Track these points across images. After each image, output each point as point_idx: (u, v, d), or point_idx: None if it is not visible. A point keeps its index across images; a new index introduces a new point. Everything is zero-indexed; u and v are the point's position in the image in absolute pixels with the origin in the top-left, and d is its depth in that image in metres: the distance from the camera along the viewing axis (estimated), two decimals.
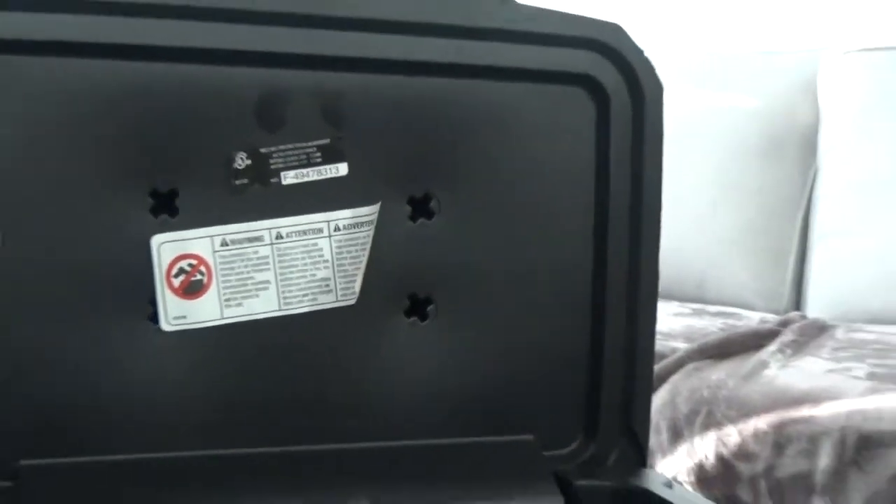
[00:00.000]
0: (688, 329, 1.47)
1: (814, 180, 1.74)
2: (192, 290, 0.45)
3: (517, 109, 0.49)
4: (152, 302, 0.44)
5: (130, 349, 0.44)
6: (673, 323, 1.50)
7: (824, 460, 1.10)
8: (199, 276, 0.45)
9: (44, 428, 0.43)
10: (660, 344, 1.35)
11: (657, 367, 1.27)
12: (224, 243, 0.45)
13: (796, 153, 1.76)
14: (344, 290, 0.47)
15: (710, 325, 1.51)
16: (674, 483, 0.49)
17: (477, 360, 0.49)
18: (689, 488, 1.13)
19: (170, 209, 0.44)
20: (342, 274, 0.46)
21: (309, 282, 0.46)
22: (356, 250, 0.47)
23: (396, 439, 0.48)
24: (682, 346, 1.34)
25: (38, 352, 0.43)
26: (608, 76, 0.50)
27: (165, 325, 0.44)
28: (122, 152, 0.44)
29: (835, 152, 1.71)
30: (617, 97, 0.50)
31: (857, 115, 1.70)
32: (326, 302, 0.46)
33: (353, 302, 0.47)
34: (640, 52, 0.50)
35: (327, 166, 0.46)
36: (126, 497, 0.43)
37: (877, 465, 1.08)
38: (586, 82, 0.50)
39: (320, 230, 0.46)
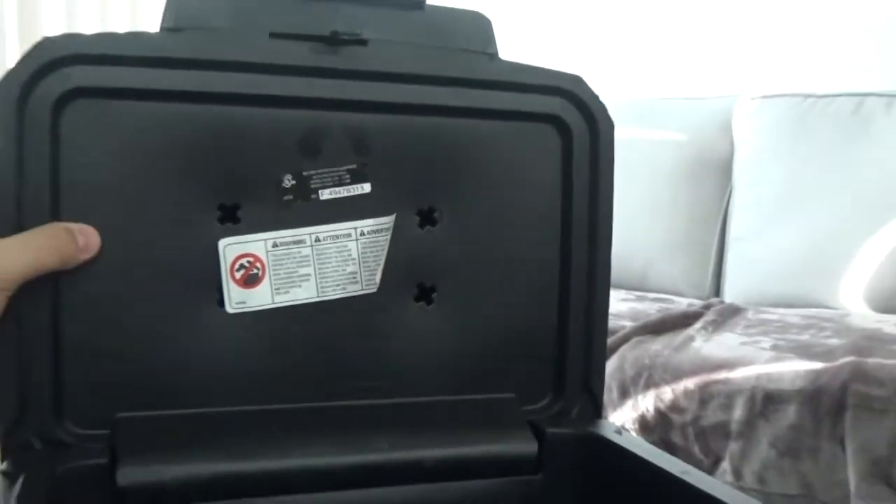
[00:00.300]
0: (632, 311, 1.47)
1: (729, 197, 1.76)
2: (250, 281, 0.44)
3: (501, 141, 0.49)
4: (219, 290, 0.44)
5: (203, 327, 0.44)
6: (621, 306, 1.51)
7: (738, 412, 1.11)
8: (255, 271, 0.44)
9: (135, 388, 0.43)
10: (611, 323, 1.34)
11: (609, 341, 1.26)
12: (275, 245, 0.45)
13: (715, 176, 1.77)
14: (367, 281, 0.46)
15: (650, 308, 1.51)
16: (622, 430, 0.49)
17: (470, 335, 0.49)
18: (634, 434, 1.14)
19: (233, 219, 0.44)
20: (366, 268, 0.46)
21: (340, 275, 0.46)
22: (377, 250, 0.47)
23: (408, 396, 0.48)
24: (628, 324, 1.34)
25: (133, 328, 0.43)
26: (571, 116, 0.49)
27: (229, 309, 0.44)
28: (197, 175, 0.44)
29: (745, 176, 1.72)
30: (578, 132, 0.49)
31: (762, 147, 1.71)
32: (354, 290, 0.46)
33: (374, 290, 0.47)
34: (596, 98, 0.49)
35: (354, 185, 0.46)
36: (198, 442, 0.43)
37: (779, 416, 1.08)
38: (554, 121, 0.49)
39: (349, 235, 0.46)
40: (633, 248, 1.73)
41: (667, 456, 0.44)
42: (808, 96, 1.68)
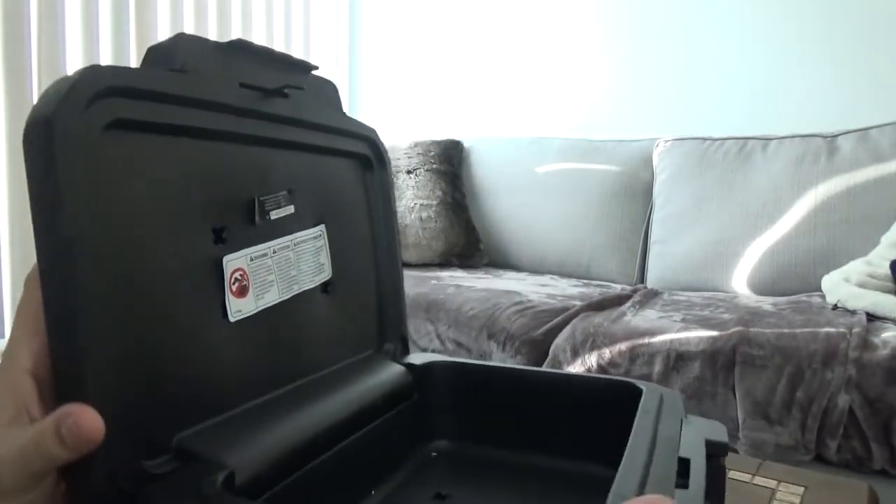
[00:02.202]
0: (581, 294, 1.42)
1: (650, 211, 1.69)
2: (242, 291, 0.37)
3: (346, 173, 0.48)
4: (222, 304, 0.35)
5: (217, 339, 0.35)
6: (572, 290, 1.45)
7: (657, 367, 1.05)
8: (245, 282, 0.37)
9: (181, 408, 0.32)
10: (564, 302, 1.29)
11: (565, 315, 1.22)
12: (251, 259, 0.38)
13: (641, 196, 1.71)
14: (307, 280, 0.42)
15: (594, 291, 1.46)
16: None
17: (348, 311, 0.47)
18: None
19: (222, 240, 0.36)
20: (302, 271, 0.42)
21: (288, 277, 0.40)
22: (314, 252, 0.42)
23: (325, 361, 0.44)
24: (578, 303, 1.29)
25: (156, 340, 0.31)
26: (371, 154, 0.49)
27: (231, 318, 0.36)
28: (193, 200, 0.34)
29: (661, 196, 1.66)
30: (374, 166, 0.49)
31: (674, 175, 1.64)
32: (296, 289, 0.41)
33: (313, 286, 0.43)
34: (381, 143, 0.50)
35: (285, 207, 0.40)
36: (256, 434, 0.34)
37: (687, 370, 1.02)
38: (363, 159, 0.49)
39: (287, 246, 0.41)
40: (582, 247, 1.69)
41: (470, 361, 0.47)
42: (706, 139, 1.64)
